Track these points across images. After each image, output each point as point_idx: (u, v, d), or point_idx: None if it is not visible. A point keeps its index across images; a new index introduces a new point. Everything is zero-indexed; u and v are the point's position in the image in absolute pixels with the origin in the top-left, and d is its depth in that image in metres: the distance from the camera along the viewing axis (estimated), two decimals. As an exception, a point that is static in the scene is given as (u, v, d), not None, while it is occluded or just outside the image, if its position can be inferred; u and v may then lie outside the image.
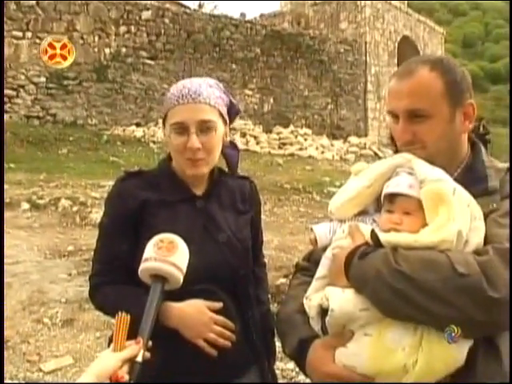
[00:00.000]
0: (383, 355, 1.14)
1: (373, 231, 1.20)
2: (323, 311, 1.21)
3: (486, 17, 55.82)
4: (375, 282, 1.13)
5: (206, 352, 1.41)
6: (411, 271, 1.10)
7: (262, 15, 24.59)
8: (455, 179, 1.25)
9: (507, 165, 1.33)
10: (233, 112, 1.63)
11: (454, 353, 1.12)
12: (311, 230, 1.35)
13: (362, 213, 1.32)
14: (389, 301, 1.12)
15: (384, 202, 1.27)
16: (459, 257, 1.10)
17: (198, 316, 1.42)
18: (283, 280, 4.80)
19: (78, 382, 1.01)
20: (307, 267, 1.48)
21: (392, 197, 1.24)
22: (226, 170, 1.69)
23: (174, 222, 1.47)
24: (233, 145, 1.66)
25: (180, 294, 1.34)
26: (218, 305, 1.45)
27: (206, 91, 1.50)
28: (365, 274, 1.16)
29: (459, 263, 1.08)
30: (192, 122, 1.46)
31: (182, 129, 1.47)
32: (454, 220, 1.13)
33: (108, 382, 1.00)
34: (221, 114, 1.53)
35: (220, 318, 1.44)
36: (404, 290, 1.10)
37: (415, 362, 1.12)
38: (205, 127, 1.48)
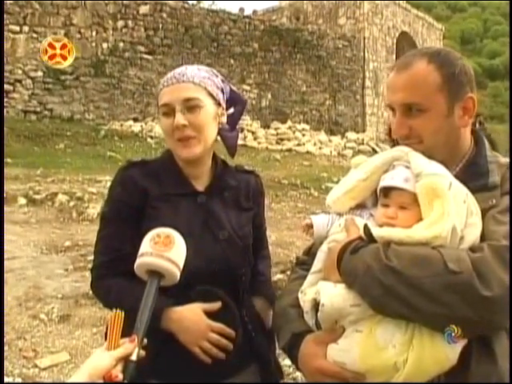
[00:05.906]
0: (373, 352, 1.12)
1: (366, 226, 1.17)
2: (317, 306, 1.19)
3: (484, 13, 55.75)
4: (365, 277, 1.11)
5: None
6: (401, 267, 1.07)
7: (254, 11, 24.40)
8: (456, 174, 1.22)
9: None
10: (236, 101, 1.60)
11: (446, 352, 1.08)
12: (309, 218, 1.33)
13: (360, 206, 1.30)
14: (378, 297, 1.10)
15: (380, 195, 1.25)
16: (452, 253, 1.07)
17: (196, 322, 1.40)
18: (280, 276, 4.78)
19: (70, 380, 0.99)
20: (306, 261, 1.45)
21: (387, 190, 1.22)
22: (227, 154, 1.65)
23: (175, 217, 1.44)
24: (231, 127, 1.61)
25: (178, 291, 1.31)
26: (217, 305, 1.43)
27: (190, 72, 1.49)
28: (355, 269, 1.13)
29: (451, 260, 1.05)
30: (176, 101, 1.45)
31: (168, 110, 1.47)
32: (448, 215, 1.10)
33: (101, 381, 0.98)
34: (210, 94, 1.50)
35: (218, 325, 1.42)
36: (393, 286, 1.07)
37: (405, 360, 1.09)
38: (190, 105, 1.46)
